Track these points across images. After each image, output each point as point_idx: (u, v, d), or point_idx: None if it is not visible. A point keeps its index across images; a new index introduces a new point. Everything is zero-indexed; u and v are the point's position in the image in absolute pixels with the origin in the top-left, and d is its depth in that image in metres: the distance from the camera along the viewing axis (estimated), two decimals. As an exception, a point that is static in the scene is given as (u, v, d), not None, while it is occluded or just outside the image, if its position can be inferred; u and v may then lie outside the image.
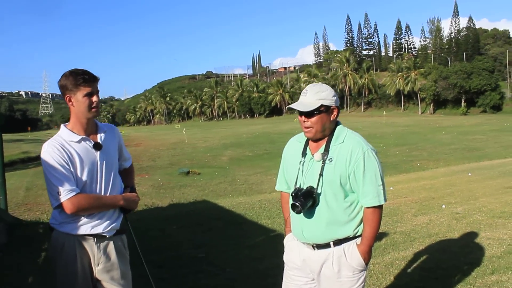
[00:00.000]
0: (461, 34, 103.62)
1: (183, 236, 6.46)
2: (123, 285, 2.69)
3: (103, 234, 2.59)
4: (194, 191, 15.17)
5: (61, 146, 2.48)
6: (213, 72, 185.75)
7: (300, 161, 2.55)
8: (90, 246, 2.57)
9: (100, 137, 2.64)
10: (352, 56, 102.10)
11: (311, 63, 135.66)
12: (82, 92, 2.49)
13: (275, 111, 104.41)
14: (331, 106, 2.43)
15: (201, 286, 4.52)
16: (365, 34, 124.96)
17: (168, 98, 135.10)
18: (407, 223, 6.51)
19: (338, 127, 2.51)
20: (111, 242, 2.64)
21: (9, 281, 4.82)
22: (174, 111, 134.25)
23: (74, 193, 2.43)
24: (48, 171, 2.44)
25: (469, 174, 11.30)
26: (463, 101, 74.92)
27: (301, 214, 2.46)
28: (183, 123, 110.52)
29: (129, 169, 3.00)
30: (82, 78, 2.48)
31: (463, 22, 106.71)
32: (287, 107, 2.57)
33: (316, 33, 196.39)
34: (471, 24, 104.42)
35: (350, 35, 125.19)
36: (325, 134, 2.47)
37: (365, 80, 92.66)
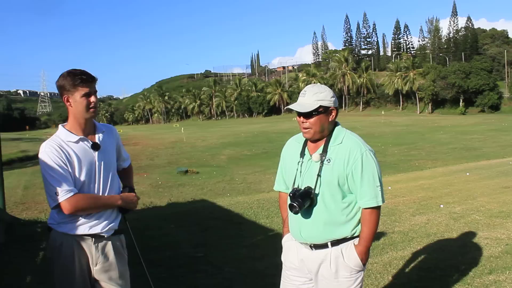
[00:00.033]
0: (460, 34, 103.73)
1: (182, 236, 6.46)
2: (121, 285, 2.69)
3: (101, 234, 2.59)
4: (193, 190, 15.17)
5: (59, 146, 2.47)
6: (212, 71, 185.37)
7: (299, 162, 2.55)
8: (88, 246, 2.56)
9: (98, 137, 2.63)
10: (351, 56, 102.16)
11: (310, 63, 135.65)
12: (80, 92, 2.49)
13: (274, 110, 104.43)
14: (329, 107, 2.43)
15: (199, 286, 4.52)
16: (364, 33, 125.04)
17: (166, 97, 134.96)
18: (405, 223, 6.52)
19: (336, 128, 2.51)
20: (109, 242, 2.64)
21: (7, 281, 4.81)
22: (173, 110, 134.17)
23: (72, 194, 2.42)
24: (46, 172, 2.44)
25: (467, 173, 11.31)
26: (461, 100, 75.06)
27: (299, 214, 2.46)
28: (181, 122, 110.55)
29: (128, 169, 3.00)
30: (80, 79, 2.47)
31: (461, 22, 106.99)
32: (285, 107, 2.57)
33: (314, 33, 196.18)
34: (470, 24, 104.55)
35: (349, 34, 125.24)
36: (324, 135, 2.48)
37: (363, 79, 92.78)
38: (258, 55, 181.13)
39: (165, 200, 11.94)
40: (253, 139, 37.37)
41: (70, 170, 2.47)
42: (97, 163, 2.57)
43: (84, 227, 2.53)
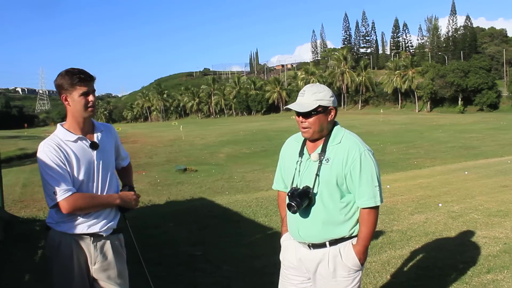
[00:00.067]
0: (459, 32, 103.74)
1: (180, 234, 6.47)
2: (119, 284, 2.69)
3: (100, 233, 2.59)
4: (191, 188, 15.18)
5: (57, 145, 2.47)
6: (211, 69, 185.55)
7: (297, 161, 2.55)
8: (87, 245, 2.56)
9: (96, 137, 2.63)
10: (350, 54, 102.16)
11: (309, 61, 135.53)
12: (78, 91, 2.48)
13: (273, 108, 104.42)
14: (328, 106, 2.43)
15: (198, 284, 4.52)
16: (363, 32, 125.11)
17: (165, 95, 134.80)
18: (403, 222, 6.53)
19: (335, 127, 2.51)
20: (108, 241, 2.64)
21: (5, 279, 4.81)
22: (171, 108, 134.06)
23: (70, 193, 2.42)
24: (44, 171, 2.43)
25: (466, 172, 11.32)
26: (460, 99, 75.16)
27: (297, 213, 2.46)
28: (180, 120, 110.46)
29: (127, 167, 3.00)
30: (78, 78, 2.47)
31: (460, 21, 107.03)
32: (284, 107, 2.57)
33: (313, 31, 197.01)
34: (469, 23, 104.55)
35: (348, 33, 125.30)
36: (323, 135, 2.48)
37: (362, 78, 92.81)
38: (257, 53, 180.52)
39: (164, 198, 11.95)
40: (252, 137, 37.37)
41: (68, 169, 2.46)
42: (95, 162, 2.57)
43: (83, 226, 2.53)
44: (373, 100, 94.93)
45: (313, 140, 2.50)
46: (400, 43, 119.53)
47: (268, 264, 4.62)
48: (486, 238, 5.52)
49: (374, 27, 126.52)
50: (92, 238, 2.57)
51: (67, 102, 2.52)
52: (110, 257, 2.64)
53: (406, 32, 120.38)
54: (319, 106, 2.39)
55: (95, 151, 2.58)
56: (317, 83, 2.54)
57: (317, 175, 2.43)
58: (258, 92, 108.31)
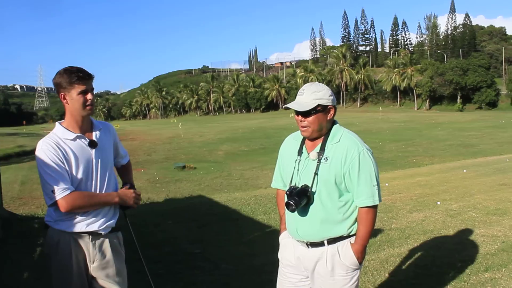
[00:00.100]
0: (458, 30, 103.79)
1: (179, 232, 6.47)
2: (118, 282, 2.69)
3: (99, 232, 2.59)
4: (190, 186, 15.18)
5: (56, 144, 2.47)
6: (210, 67, 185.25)
7: (296, 160, 2.55)
8: (86, 244, 2.56)
9: (95, 135, 2.63)
10: (349, 52, 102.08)
11: (308, 59, 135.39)
12: (76, 90, 2.48)
13: (271, 106, 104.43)
14: (328, 105, 2.43)
15: (197, 282, 4.53)
16: (362, 30, 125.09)
17: (164, 93, 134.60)
18: (402, 220, 6.54)
19: (334, 126, 2.51)
20: (107, 240, 2.64)
21: (4, 276, 4.81)
22: (170, 106, 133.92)
23: (68, 192, 2.42)
24: (43, 170, 2.43)
25: (464, 170, 11.34)
26: (459, 97, 75.20)
27: (296, 212, 2.46)
28: (179, 117, 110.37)
29: (127, 165, 3.00)
30: (76, 76, 2.46)
31: (459, 19, 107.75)
32: (283, 106, 2.57)
33: (312, 29, 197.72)
34: (468, 21, 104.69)
35: (347, 30, 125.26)
36: (322, 134, 2.47)
37: (361, 75, 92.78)
38: (256, 50, 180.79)
39: (163, 195, 11.95)
40: (251, 135, 37.39)
41: (67, 168, 2.46)
42: (94, 160, 2.57)
43: (82, 224, 2.53)
44: (372, 98, 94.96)
45: (312, 139, 2.50)
46: (399, 41, 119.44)
47: (266, 262, 4.62)
48: (484, 237, 5.53)
49: (373, 25, 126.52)
50: (90, 236, 2.57)
51: (65, 101, 2.51)
52: (108, 255, 2.64)
53: (405, 30, 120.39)
54: (318, 105, 2.39)
55: (93, 150, 2.57)
56: (316, 82, 2.54)
57: (315, 174, 2.44)
58: (257, 89, 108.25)
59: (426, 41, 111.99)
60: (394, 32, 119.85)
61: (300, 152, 2.55)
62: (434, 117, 53.95)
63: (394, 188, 9.05)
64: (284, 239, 2.74)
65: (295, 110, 2.43)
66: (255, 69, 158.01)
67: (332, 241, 2.48)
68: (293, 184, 2.53)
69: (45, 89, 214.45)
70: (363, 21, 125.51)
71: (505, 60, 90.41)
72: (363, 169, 2.38)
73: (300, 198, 2.41)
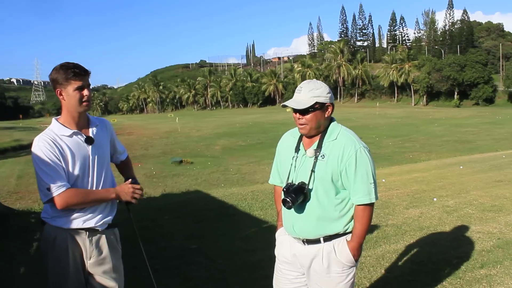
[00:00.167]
0: (455, 26, 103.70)
1: (176, 227, 6.47)
2: (115, 278, 2.69)
3: (96, 228, 2.58)
4: (187, 180, 15.18)
5: (52, 140, 2.46)
6: (207, 61, 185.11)
7: (293, 157, 2.55)
8: (82, 240, 2.56)
9: (92, 131, 2.62)
10: (346, 47, 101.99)
11: (305, 54, 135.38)
12: (72, 86, 2.47)
13: (269, 101, 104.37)
14: (325, 103, 2.42)
15: (193, 278, 4.53)
16: (360, 25, 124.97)
17: (161, 87, 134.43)
18: (398, 216, 6.55)
19: (332, 123, 2.51)
20: (103, 236, 2.64)
21: (0, 271, 4.80)
22: (167, 100, 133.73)
23: (64, 189, 2.41)
24: (39, 167, 2.42)
25: (461, 167, 11.36)
26: (456, 93, 75.28)
27: (292, 209, 2.47)
28: (176, 112, 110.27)
29: (126, 161, 2.99)
30: (72, 72, 2.45)
31: (457, 15, 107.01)
32: (281, 104, 2.57)
33: (310, 23, 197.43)
34: (465, 17, 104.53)
35: (345, 26, 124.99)
36: (320, 131, 2.47)
37: (359, 71, 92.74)
38: (253, 45, 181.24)
39: (159, 190, 11.94)
40: (248, 130, 37.38)
41: (63, 165, 2.45)
42: (90, 157, 2.56)
43: (78, 221, 2.52)
44: (369, 94, 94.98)
45: (310, 136, 2.50)
46: (397, 36, 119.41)
47: (263, 258, 4.63)
48: (480, 233, 5.55)
49: (371, 20, 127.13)
50: (87, 232, 2.57)
51: (62, 97, 2.50)
52: (105, 251, 2.64)
53: (403, 25, 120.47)
54: (316, 103, 2.38)
55: (90, 146, 2.56)
56: (314, 79, 2.53)
57: (312, 171, 2.44)
58: (254, 84, 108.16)
59: (424, 37, 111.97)
60: (392, 28, 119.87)
61: (297, 149, 2.55)
62: (431, 113, 54.01)
63: (390, 184, 9.06)
64: (280, 236, 2.74)
65: (292, 108, 2.42)
66: (252, 64, 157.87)
67: (328, 238, 2.48)
68: (290, 181, 2.53)
69: (42, 83, 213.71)
70: (361, 16, 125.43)
71: (503, 56, 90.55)
72: (360, 166, 2.38)
73: (297, 195, 2.41)
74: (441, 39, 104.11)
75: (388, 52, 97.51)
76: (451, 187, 8.60)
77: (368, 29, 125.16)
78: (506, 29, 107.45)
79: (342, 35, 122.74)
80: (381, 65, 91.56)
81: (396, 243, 5.32)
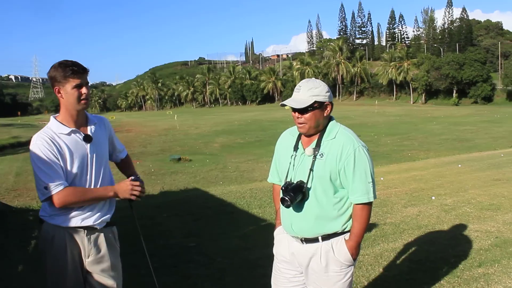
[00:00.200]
0: (454, 24, 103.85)
1: (174, 225, 6.47)
2: (113, 276, 2.69)
3: (94, 226, 2.58)
4: (185, 178, 15.16)
5: (50, 139, 2.45)
6: (206, 59, 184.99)
7: (292, 155, 2.55)
8: (81, 238, 2.56)
9: (90, 129, 2.61)
10: (345, 45, 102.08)
11: (304, 51, 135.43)
12: (71, 84, 2.46)
13: (267, 98, 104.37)
14: (324, 102, 2.42)
15: (192, 276, 4.53)
16: (359, 23, 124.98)
17: (160, 84, 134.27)
18: (397, 214, 6.56)
19: (331, 122, 2.50)
20: (102, 234, 2.64)
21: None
22: (166, 97, 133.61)
23: (61, 187, 2.41)
24: (36, 165, 2.42)
25: (459, 165, 11.37)
26: (454, 91, 75.34)
27: (291, 208, 2.47)
28: (174, 109, 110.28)
29: (126, 159, 2.99)
30: (71, 70, 2.44)
31: (456, 13, 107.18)
32: (280, 103, 2.56)
33: (309, 21, 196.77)
34: (465, 15, 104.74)
35: (344, 23, 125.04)
36: (319, 130, 2.47)
37: (357, 69, 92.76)
38: (252, 42, 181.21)
39: (158, 188, 11.93)
40: (246, 127, 37.36)
41: (61, 163, 2.45)
42: (89, 155, 2.56)
43: (77, 219, 2.52)
44: (368, 91, 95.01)
45: (309, 135, 2.50)
46: (396, 34, 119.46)
47: (261, 256, 4.64)
48: (478, 232, 5.56)
49: (370, 18, 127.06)
50: (86, 231, 2.56)
51: (60, 95, 2.50)
52: (103, 250, 2.64)
53: (402, 23, 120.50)
54: (315, 102, 2.38)
55: (88, 144, 2.56)
56: (313, 78, 2.52)
57: (311, 170, 2.43)
58: (253, 82, 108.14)
59: (423, 35, 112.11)
60: (391, 26, 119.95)
61: (296, 148, 2.55)
62: (429, 111, 54.01)
63: (389, 183, 9.07)
64: (279, 235, 2.74)
65: (291, 107, 2.42)
66: (251, 61, 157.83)
67: (326, 237, 2.48)
68: (288, 179, 2.53)
69: (40, 79, 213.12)
70: (360, 14, 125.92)
71: (501, 54, 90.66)
72: (359, 165, 2.38)
73: (296, 194, 2.41)
74: (440, 37, 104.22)
75: (387, 50, 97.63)
76: (449, 185, 8.62)
77: (367, 27, 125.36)
78: (505, 27, 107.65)
79: (341, 33, 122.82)
80: (380, 63, 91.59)
81: (394, 242, 5.33)
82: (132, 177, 2.70)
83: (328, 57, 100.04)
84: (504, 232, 5.54)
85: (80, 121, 2.58)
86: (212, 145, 26.46)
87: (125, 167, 2.96)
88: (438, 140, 23.72)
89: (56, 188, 2.39)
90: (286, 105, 2.40)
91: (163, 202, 8.29)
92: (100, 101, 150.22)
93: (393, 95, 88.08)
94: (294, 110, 2.42)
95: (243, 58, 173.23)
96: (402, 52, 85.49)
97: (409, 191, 8.13)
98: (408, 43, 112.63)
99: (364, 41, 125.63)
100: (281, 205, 2.48)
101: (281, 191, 2.49)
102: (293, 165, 2.53)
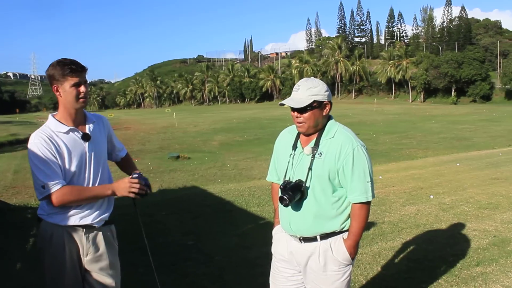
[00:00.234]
0: (453, 23, 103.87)
1: (172, 223, 6.46)
2: (111, 275, 2.69)
3: (92, 225, 2.58)
4: (184, 176, 15.16)
5: (49, 137, 2.44)
6: (205, 57, 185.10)
7: (291, 154, 2.55)
8: (79, 237, 2.55)
9: (88, 128, 2.60)
10: (344, 43, 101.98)
11: (303, 49, 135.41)
12: (69, 82, 2.45)
13: (266, 96, 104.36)
14: (323, 101, 2.41)
15: (190, 274, 4.53)
16: (358, 21, 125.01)
17: (158, 82, 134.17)
18: (395, 213, 6.56)
19: (329, 121, 2.50)
20: (100, 233, 2.63)
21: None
22: (165, 95, 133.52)
23: (59, 186, 2.40)
24: (34, 164, 2.41)
25: (458, 164, 11.38)
26: (453, 90, 75.35)
27: (289, 207, 2.47)
28: (173, 107, 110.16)
29: (126, 157, 2.98)
30: (69, 68, 2.43)
31: (455, 12, 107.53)
32: (279, 103, 2.56)
33: (308, 19, 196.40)
34: (464, 14, 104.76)
35: (343, 21, 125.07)
36: (318, 129, 2.47)
37: (356, 67, 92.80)
38: (251, 40, 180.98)
39: (157, 185, 11.91)
40: (245, 125, 37.35)
41: (59, 162, 2.44)
42: (87, 154, 2.55)
43: (75, 218, 2.51)
44: (366, 90, 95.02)
45: (308, 134, 2.50)
46: (395, 33, 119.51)
47: (260, 255, 4.64)
48: (476, 231, 5.57)
49: (369, 17, 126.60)
50: (84, 229, 2.56)
51: (58, 93, 2.49)
52: (102, 248, 2.64)
53: (401, 22, 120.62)
54: (314, 101, 2.37)
55: (87, 143, 2.55)
56: (312, 77, 2.52)
57: (309, 169, 2.43)
58: (252, 79, 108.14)
59: (422, 34, 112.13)
60: (390, 24, 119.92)
61: (294, 147, 2.55)
62: (428, 109, 54.04)
63: (387, 181, 9.08)
64: (277, 234, 2.75)
65: (290, 107, 2.42)
66: (250, 59, 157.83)
67: (325, 236, 2.48)
68: (287, 178, 2.52)
69: (39, 77, 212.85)
70: (359, 12, 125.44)
71: (500, 53, 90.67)
72: (357, 165, 2.38)
73: (294, 193, 2.41)
74: (439, 36, 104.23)
75: (386, 49, 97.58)
76: (448, 184, 8.63)
77: (366, 25, 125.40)
78: (504, 26, 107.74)
79: (340, 31, 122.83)
80: (378, 62, 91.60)
81: (393, 241, 5.33)
82: (134, 175, 2.66)
83: (327, 55, 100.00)
84: (502, 231, 5.55)
85: (78, 120, 2.57)
86: (211, 143, 26.45)
87: (126, 165, 2.96)
88: (436, 139, 23.74)
89: (54, 187, 2.39)
90: (285, 105, 2.40)
91: (162, 200, 8.27)
92: (98, 98, 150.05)
93: (392, 94, 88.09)
94: (293, 109, 2.42)
95: (242, 56, 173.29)
96: (401, 50, 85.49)
97: (408, 190, 8.13)
98: (407, 41, 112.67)
99: (363, 40, 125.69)
100: (280, 204, 2.48)
101: (279, 190, 2.49)
102: (292, 164, 2.53)
